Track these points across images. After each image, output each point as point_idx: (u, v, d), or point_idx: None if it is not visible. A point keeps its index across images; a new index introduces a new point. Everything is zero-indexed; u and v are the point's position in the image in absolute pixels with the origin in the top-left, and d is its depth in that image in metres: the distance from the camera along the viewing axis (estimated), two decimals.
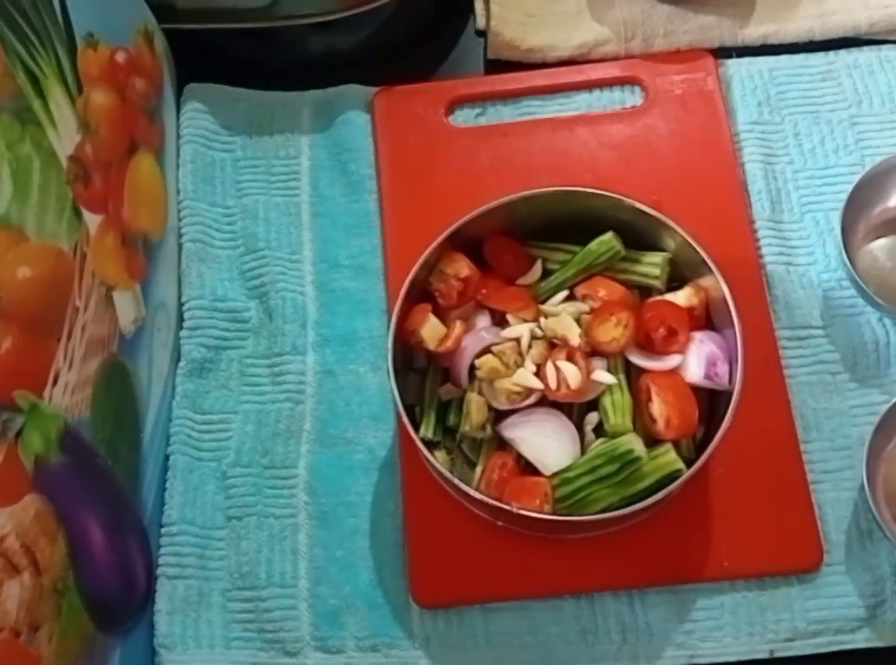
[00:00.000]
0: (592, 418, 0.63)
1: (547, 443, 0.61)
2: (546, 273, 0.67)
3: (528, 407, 0.62)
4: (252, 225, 0.76)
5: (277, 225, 0.76)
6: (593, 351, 0.63)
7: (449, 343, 0.63)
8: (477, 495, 0.58)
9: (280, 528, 0.68)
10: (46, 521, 0.55)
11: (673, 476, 0.58)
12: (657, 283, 0.65)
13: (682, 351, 0.62)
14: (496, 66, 0.81)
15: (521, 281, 0.67)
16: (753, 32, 0.80)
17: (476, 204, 0.64)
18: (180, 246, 0.75)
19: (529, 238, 0.67)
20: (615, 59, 0.80)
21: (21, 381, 0.55)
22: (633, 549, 0.65)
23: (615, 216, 0.65)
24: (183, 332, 0.73)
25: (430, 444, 0.63)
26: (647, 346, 0.63)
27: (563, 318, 0.63)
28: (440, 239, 0.64)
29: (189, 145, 0.78)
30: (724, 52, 0.80)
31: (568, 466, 0.60)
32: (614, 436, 0.60)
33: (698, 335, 0.63)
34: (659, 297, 0.65)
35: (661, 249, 0.65)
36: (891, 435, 0.66)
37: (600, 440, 0.62)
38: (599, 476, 0.59)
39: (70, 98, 0.63)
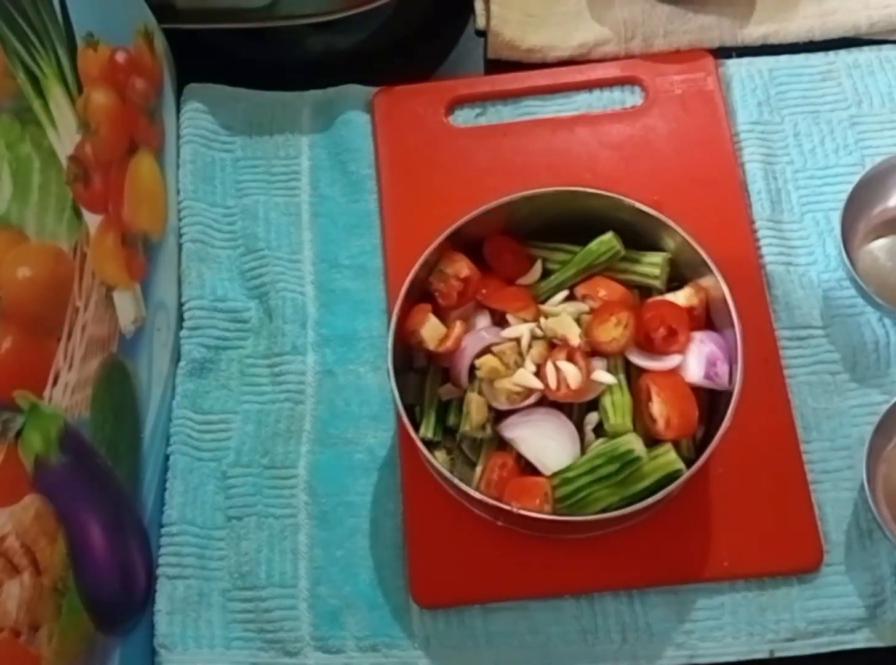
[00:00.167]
0: (592, 418, 0.63)
1: (547, 443, 0.61)
2: (546, 273, 0.67)
3: (528, 407, 0.62)
4: (252, 225, 0.76)
5: (277, 225, 0.76)
6: (593, 351, 0.63)
7: (449, 343, 0.63)
8: (477, 495, 0.58)
9: (280, 528, 0.68)
10: (46, 521, 0.55)
11: (673, 476, 0.58)
12: (657, 283, 0.65)
13: (682, 351, 0.62)
14: (496, 66, 0.81)
15: (521, 281, 0.67)
16: (753, 32, 0.80)
17: (476, 204, 0.64)
18: (180, 246, 0.75)
19: (529, 238, 0.67)
20: (615, 59, 0.80)
21: (21, 381, 0.55)
22: (633, 549, 0.65)
23: (615, 216, 0.65)
24: (183, 332, 0.73)
25: (430, 444, 0.63)
26: (647, 346, 0.63)
27: (563, 318, 0.63)
28: (440, 239, 0.64)
29: (189, 145, 0.78)
30: (724, 52, 0.80)
31: (568, 466, 0.60)
32: (614, 436, 0.60)
33: (698, 335, 0.63)
34: (659, 297, 0.65)
35: (661, 249, 0.65)
36: (891, 435, 0.66)
37: (600, 440, 0.62)
38: (599, 476, 0.59)
39: (70, 98, 0.63)
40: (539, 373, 0.62)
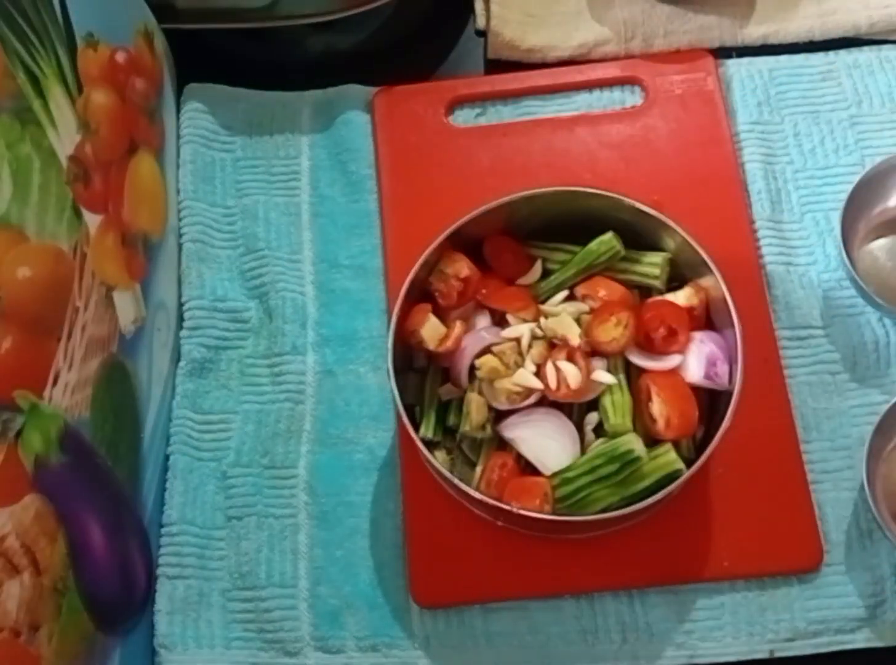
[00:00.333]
0: (592, 418, 0.63)
1: (547, 443, 0.61)
2: (546, 273, 0.67)
3: (528, 407, 0.62)
4: (252, 225, 0.76)
5: (277, 225, 0.76)
6: (593, 351, 0.63)
7: (449, 343, 0.63)
8: (477, 495, 0.58)
9: (280, 528, 0.68)
10: (46, 521, 0.55)
11: (673, 476, 0.58)
12: (657, 283, 0.65)
13: (682, 351, 0.62)
14: (496, 66, 0.81)
15: (521, 281, 0.67)
16: (753, 32, 0.80)
17: (476, 204, 0.64)
18: (180, 246, 0.75)
19: (529, 238, 0.67)
20: (615, 59, 0.80)
21: (21, 381, 0.55)
22: (633, 549, 0.65)
23: (615, 216, 0.65)
24: (183, 332, 0.73)
25: (430, 444, 0.63)
26: (647, 346, 0.63)
27: (563, 318, 0.63)
28: (440, 239, 0.64)
29: (189, 145, 0.78)
30: (724, 52, 0.80)
31: (568, 466, 0.60)
32: (614, 436, 0.60)
33: (698, 335, 0.63)
34: (659, 297, 0.65)
35: (661, 249, 0.65)
36: (891, 435, 0.66)
37: (600, 440, 0.62)
38: (599, 476, 0.59)
39: (70, 98, 0.63)
40: (539, 373, 0.62)
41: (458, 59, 0.82)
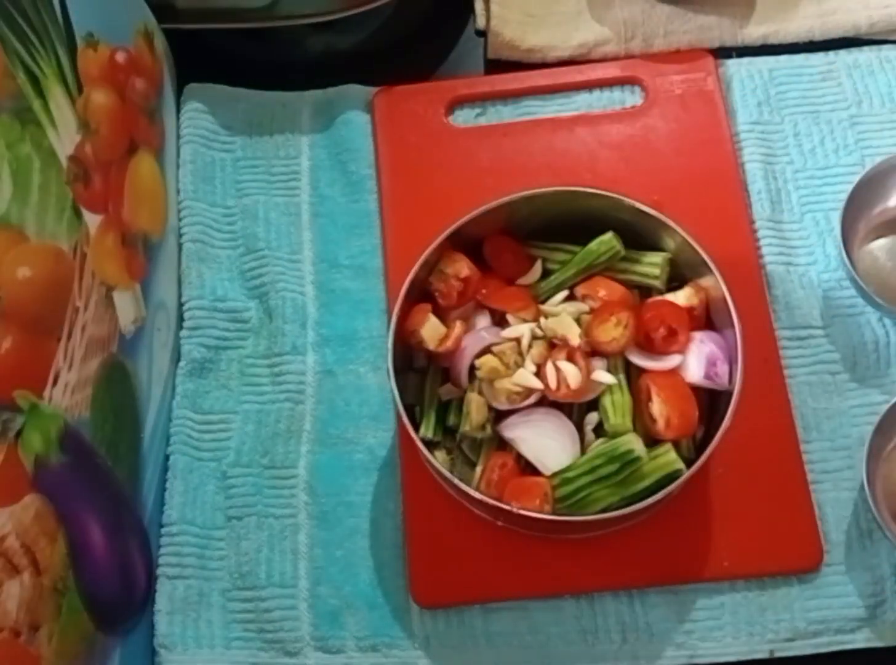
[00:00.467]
0: (592, 418, 0.63)
1: (547, 443, 0.61)
2: (546, 273, 0.67)
3: (528, 407, 0.62)
4: (252, 225, 0.76)
5: (277, 225, 0.76)
6: (593, 351, 0.63)
7: (449, 343, 0.63)
8: (477, 495, 0.58)
9: (280, 528, 0.68)
10: (46, 521, 0.55)
11: (673, 476, 0.58)
12: (657, 283, 0.65)
13: (682, 351, 0.62)
14: (496, 66, 0.81)
15: (521, 281, 0.67)
16: (753, 32, 0.80)
17: (476, 204, 0.64)
18: (180, 246, 0.75)
19: (529, 238, 0.67)
20: (615, 59, 0.80)
21: (21, 381, 0.55)
22: (633, 549, 0.65)
23: (615, 216, 0.65)
24: (183, 332, 0.73)
25: (430, 444, 0.63)
26: (647, 346, 0.63)
27: (563, 318, 0.63)
28: (440, 239, 0.64)
29: (189, 145, 0.78)
30: (724, 52, 0.80)
31: (568, 466, 0.60)
32: (614, 436, 0.60)
33: (698, 335, 0.63)
34: (659, 297, 0.65)
35: (661, 249, 0.65)
36: (891, 435, 0.66)
37: (600, 440, 0.62)
38: (599, 476, 0.59)
39: (70, 98, 0.63)
40: (539, 373, 0.62)
41: (458, 59, 0.82)
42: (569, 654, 0.64)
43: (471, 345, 0.63)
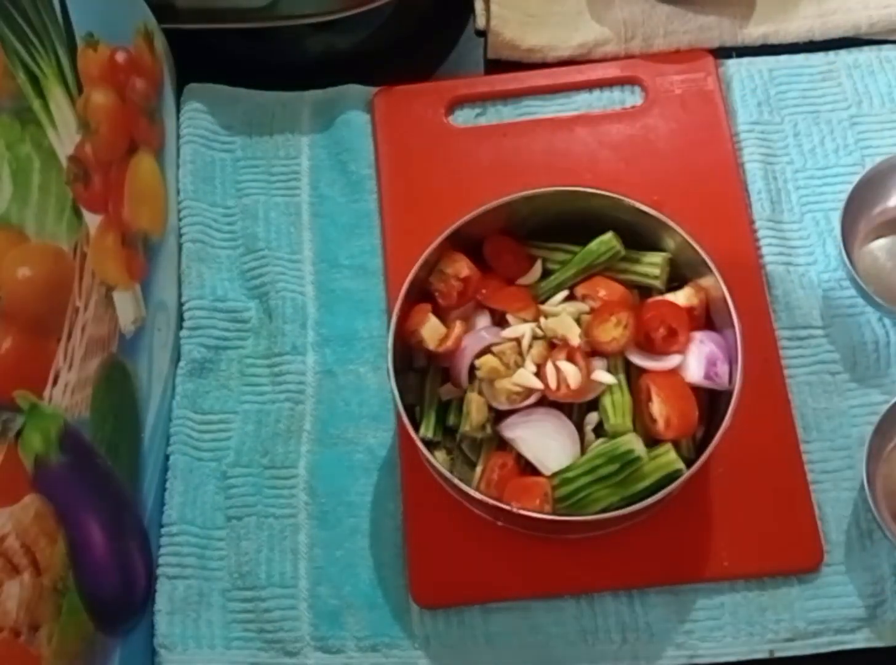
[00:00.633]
0: (592, 418, 0.63)
1: (547, 443, 0.61)
2: (546, 273, 0.67)
3: (528, 407, 0.62)
4: (252, 225, 0.76)
5: (277, 225, 0.76)
6: (593, 351, 0.63)
7: (449, 343, 0.63)
8: (477, 495, 0.58)
9: (280, 528, 0.68)
10: (46, 521, 0.55)
11: (673, 476, 0.58)
12: (657, 283, 0.65)
13: (682, 351, 0.62)
14: (496, 66, 0.81)
15: (521, 281, 0.67)
16: (753, 32, 0.80)
17: (476, 204, 0.64)
18: (180, 246, 0.75)
19: (529, 238, 0.67)
20: (615, 59, 0.80)
21: (21, 381, 0.55)
22: (633, 549, 0.65)
23: (615, 216, 0.65)
24: (183, 332, 0.73)
25: (430, 444, 0.63)
26: (647, 346, 0.63)
27: (563, 318, 0.63)
28: (440, 239, 0.64)
29: (189, 145, 0.78)
30: (724, 52, 0.80)
31: (568, 466, 0.60)
32: (614, 436, 0.60)
33: (698, 335, 0.63)
34: (659, 297, 0.65)
35: (661, 249, 0.65)
36: (891, 435, 0.66)
37: (600, 440, 0.62)
38: (599, 476, 0.59)
39: (70, 98, 0.63)
40: (539, 373, 0.62)
41: (458, 59, 0.82)
42: (569, 654, 0.64)
43: (471, 345, 0.63)
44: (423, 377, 0.65)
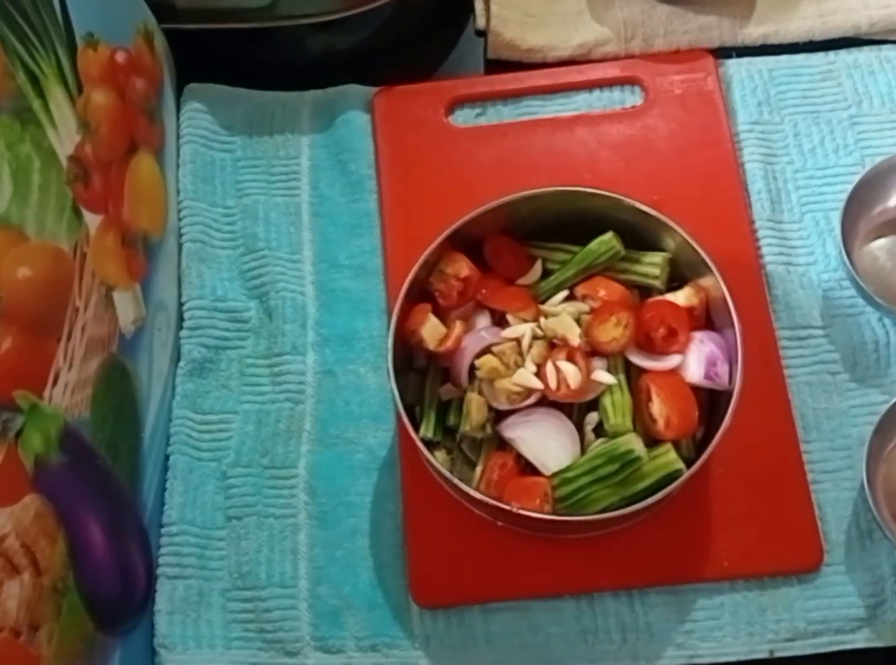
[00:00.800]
0: (592, 418, 0.63)
1: (547, 443, 0.61)
2: (546, 273, 0.67)
3: (528, 407, 0.62)
4: (252, 225, 0.76)
5: (277, 225, 0.76)
6: (593, 351, 0.63)
7: (449, 343, 0.63)
8: (477, 495, 0.58)
9: (280, 528, 0.68)
10: (46, 521, 0.55)
11: (673, 476, 0.58)
12: (657, 283, 0.65)
13: (682, 351, 0.62)
14: (496, 66, 0.81)
15: (521, 281, 0.67)
16: (753, 32, 0.80)
17: (476, 204, 0.64)
18: (180, 246, 0.75)
19: (529, 238, 0.67)
20: (615, 59, 0.80)
21: (21, 381, 0.55)
22: (633, 549, 0.65)
23: (615, 216, 0.65)
24: (183, 332, 0.73)
25: (430, 444, 0.63)
26: (647, 346, 0.63)
27: (563, 318, 0.63)
28: (440, 239, 0.64)
29: (189, 145, 0.78)
30: (724, 52, 0.80)
31: (568, 466, 0.60)
32: (614, 436, 0.60)
33: (698, 335, 0.63)
34: (659, 297, 0.65)
35: (661, 249, 0.65)
36: (891, 435, 0.66)
37: (600, 440, 0.62)
38: (599, 476, 0.59)
39: (70, 98, 0.63)
40: (539, 373, 0.62)
41: (458, 59, 0.82)
42: (569, 654, 0.64)
43: (471, 345, 0.63)
44: (423, 377, 0.65)
